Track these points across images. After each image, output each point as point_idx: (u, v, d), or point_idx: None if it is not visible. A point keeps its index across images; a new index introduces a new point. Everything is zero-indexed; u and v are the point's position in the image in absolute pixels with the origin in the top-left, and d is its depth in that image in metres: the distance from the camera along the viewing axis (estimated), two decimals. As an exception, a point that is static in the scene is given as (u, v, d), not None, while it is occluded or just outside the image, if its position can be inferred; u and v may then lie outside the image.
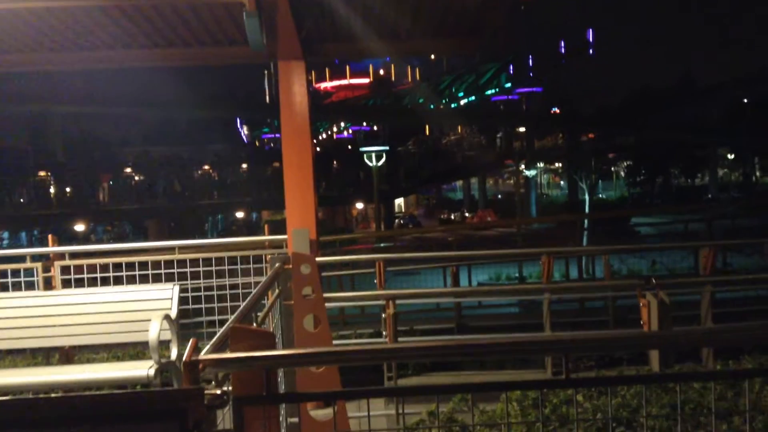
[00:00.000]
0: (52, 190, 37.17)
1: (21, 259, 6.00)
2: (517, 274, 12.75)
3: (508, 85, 73.69)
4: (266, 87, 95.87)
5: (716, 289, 6.15)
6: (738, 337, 2.60)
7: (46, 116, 49.73)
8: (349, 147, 70.02)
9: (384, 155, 30.86)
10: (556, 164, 65.87)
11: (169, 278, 5.66)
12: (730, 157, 63.64)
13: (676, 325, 5.10)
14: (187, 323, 5.67)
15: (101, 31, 5.37)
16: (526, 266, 12.10)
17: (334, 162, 49.32)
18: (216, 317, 5.76)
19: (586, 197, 37.95)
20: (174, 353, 4.51)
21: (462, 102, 76.10)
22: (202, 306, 5.80)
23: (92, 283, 5.74)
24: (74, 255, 6.06)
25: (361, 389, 2.70)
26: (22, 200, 35.12)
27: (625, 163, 57.66)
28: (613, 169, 59.16)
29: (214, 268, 5.87)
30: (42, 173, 39.29)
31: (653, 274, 10.97)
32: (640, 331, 5.05)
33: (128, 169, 42.52)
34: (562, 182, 71.62)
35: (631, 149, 51.12)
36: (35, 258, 5.99)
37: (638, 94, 55.98)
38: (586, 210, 36.57)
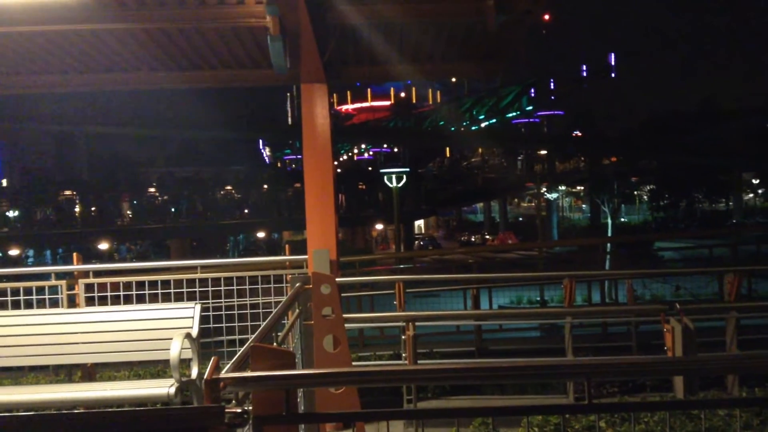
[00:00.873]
0: (77, 209, 37.71)
1: (46, 276, 6.08)
2: (538, 298, 12.64)
3: (530, 107, 73.78)
4: (289, 109, 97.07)
5: (741, 315, 6.04)
6: (764, 364, 2.56)
7: (73, 136, 50.70)
8: (370, 168, 70.36)
9: (404, 177, 30.91)
10: (578, 187, 65.49)
11: (191, 297, 5.70)
12: (755, 182, 62.87)
13: (700, 351, 5.02)
14: (207, 342, 5.69)
15: (129, 54, 5.49)
16: (547, 290, 11.98)
17: (355, 183, 49.52)
18: (236, 336, 5.78)
19: (609, 221, 37.64)
20: (195, 372, 4.53)
21: (483, 124, 76.22)
22: (223, 325, 5.83)
23: (115, 301, 5.80)
24: (98, 273, 6.13)
25: (381, 411, 2.69)
26: (48, 218, 35.65)
27: (648, 187, 57.15)
28: (636, 192, 58.63)
29: (235, 288, 5.90)
30: (67, 192, 39.91)
31: (677, 300, 10.81)
32: (664, 357, 4.97)
33: (152, 189, 43.05)
34: (584, 205, 71.13)
35: (654, 173, 50.67)
36: (60, 276, 6.06)
37: (661, 117, 55.59)
38: (609, 234, 36.24)
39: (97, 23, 4.71)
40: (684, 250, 19.18)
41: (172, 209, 39.10)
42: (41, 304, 5.73)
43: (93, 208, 38.28)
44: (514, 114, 75.41)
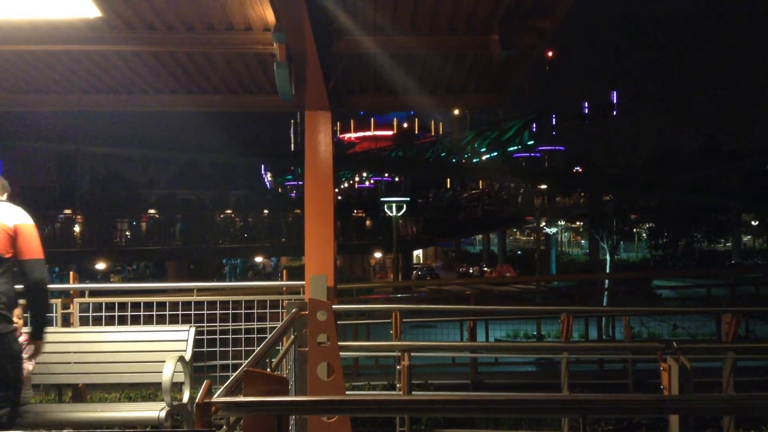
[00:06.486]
0: (76, 228, 37.60)
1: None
2: (535, 332, 12.58)
3: (531, 142, 74.29)
4: (292, 135, 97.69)
5: (739, 356, 6.00)
6: (761, 406, 2.54)
7: (75, 156, 50.87)
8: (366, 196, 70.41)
9: (404, 206, 30.96)
10: (578, 222, 65.53)
11: (186, 319, 5.67)
12: (754, 223, 62.98)
13: (697, 391, 4.97)
14: (200, 366, 5.65)
15: (136, 76, 5.53)
16: (544, 324, 11.94)
17: (355, 211, 49.59)
18: (230, 361, 5.73)
19: (608, 257, 37.54)
20: (186, 396, 4.49)
21: (484, 157, 76.66)
22: (217, 349, 5.79)
23: (110, 321, 5.76)
24: (94, 293, 6.11)
25: (373, 441, 2.66)
26: (47, 236, 35.50)
27: (647, 225, 57.18)
28: (635, 230, 58.61)
29: (230, 312, 5.88)
30: (67, 211, 39.86)
31: (675, 338, 10.76)
32: (660, 396, 4.93)
33: (152, 211, 43.02)
34: (583, 241, 71.11)
35: (653, 211, 50.75)
36: (55, 294, 6.03)
37: (662, 156, 55.91)
38: (607, 270, 36.13)
39: (105, 45, 4.75)
40: (682, 289, 19.14)
41: (171, 231, 39.00)
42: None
43: (92, 228, 38.11)
44: (516, 148, 75.91)
